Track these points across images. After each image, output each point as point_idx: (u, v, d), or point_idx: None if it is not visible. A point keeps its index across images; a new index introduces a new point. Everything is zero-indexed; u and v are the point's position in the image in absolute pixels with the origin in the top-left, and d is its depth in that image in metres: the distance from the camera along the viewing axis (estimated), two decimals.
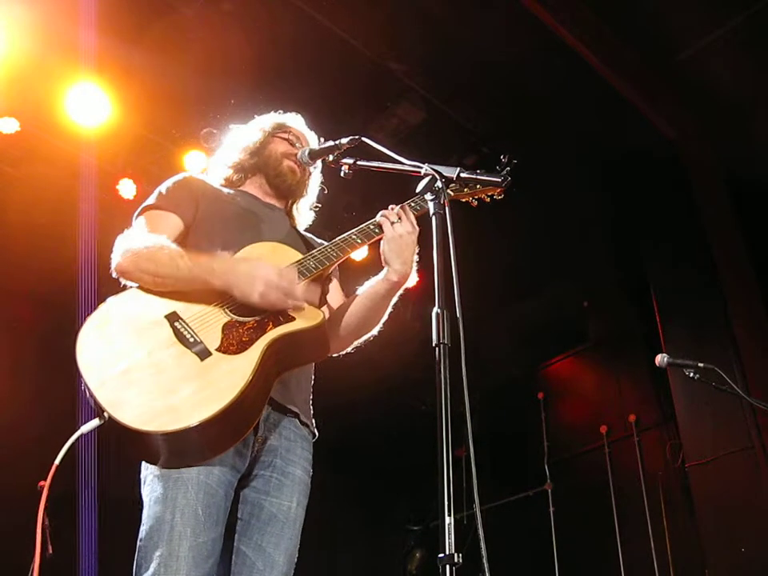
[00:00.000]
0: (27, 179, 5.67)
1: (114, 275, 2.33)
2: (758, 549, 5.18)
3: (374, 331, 2.60)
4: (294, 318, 2.24)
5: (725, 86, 6.16)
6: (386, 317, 2.58)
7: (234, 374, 2.06)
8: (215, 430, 2.02)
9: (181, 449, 2.04)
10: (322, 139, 2.77)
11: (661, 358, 3.46)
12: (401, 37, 5.86)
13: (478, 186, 2.59)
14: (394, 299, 2.54)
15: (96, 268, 5.62)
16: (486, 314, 7.44)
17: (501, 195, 2.61)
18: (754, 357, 5.74)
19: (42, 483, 4.36)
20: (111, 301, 2.26)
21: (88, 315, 2.19)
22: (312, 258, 2.41)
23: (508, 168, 2.37)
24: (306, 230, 2.84)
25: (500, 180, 2.36)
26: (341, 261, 2.50)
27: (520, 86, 6.04)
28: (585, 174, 6.72)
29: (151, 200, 2.50)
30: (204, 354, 2.10)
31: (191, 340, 2.13)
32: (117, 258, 2.31)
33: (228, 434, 2.09)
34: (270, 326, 2.20)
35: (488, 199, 2.65)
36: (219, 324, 2.19)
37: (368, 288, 2.54)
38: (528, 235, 7.06)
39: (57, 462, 2.04)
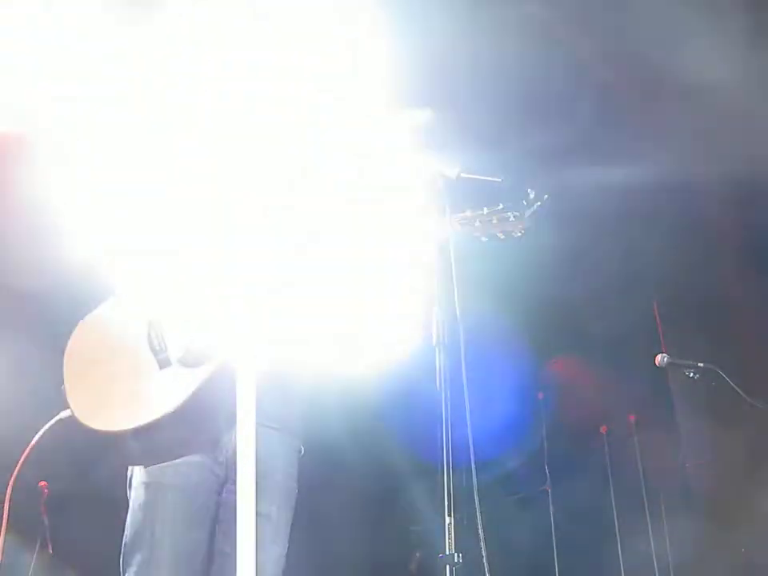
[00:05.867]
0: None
1: None
2: (757, 549, 5.18)
3: None
4: None
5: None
6: None
7: (170, 391, 2.06)
8: (160, 435, 2.05)
9: (144, 447, 2.07)
10: None
11: (661, 358, 3.46)
12: None
13: (493, 220, 2.46)
14: None
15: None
16: (485, 314, 7.42)
17: (521, 232, 2.43)
18: (754, 357, 5.73)
19: (42, 483, 4.35)
20: (97, 311, 2.28)
21: (89, 314, 2.23)
22: None
23: (538, 203, 2.21)
24: None
25: (500, 180, 2.34)
26: None
27: (520, 86, 6.02)
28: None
29: None
30: (164, 363, 2.11)
31: (158, 347, 2.15)
32: None
33: (182, 438, 2.12)
34: None
35: (502, 236, 2.49)
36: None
37: None
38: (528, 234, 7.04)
39: (33, 441, 2.08)
